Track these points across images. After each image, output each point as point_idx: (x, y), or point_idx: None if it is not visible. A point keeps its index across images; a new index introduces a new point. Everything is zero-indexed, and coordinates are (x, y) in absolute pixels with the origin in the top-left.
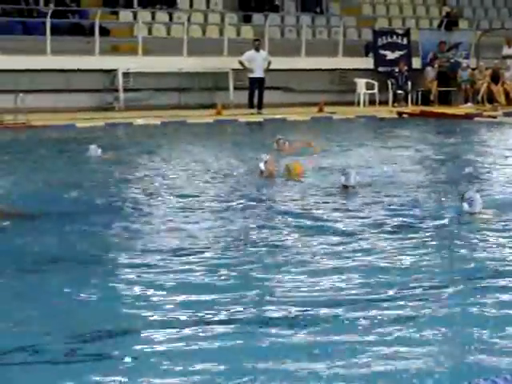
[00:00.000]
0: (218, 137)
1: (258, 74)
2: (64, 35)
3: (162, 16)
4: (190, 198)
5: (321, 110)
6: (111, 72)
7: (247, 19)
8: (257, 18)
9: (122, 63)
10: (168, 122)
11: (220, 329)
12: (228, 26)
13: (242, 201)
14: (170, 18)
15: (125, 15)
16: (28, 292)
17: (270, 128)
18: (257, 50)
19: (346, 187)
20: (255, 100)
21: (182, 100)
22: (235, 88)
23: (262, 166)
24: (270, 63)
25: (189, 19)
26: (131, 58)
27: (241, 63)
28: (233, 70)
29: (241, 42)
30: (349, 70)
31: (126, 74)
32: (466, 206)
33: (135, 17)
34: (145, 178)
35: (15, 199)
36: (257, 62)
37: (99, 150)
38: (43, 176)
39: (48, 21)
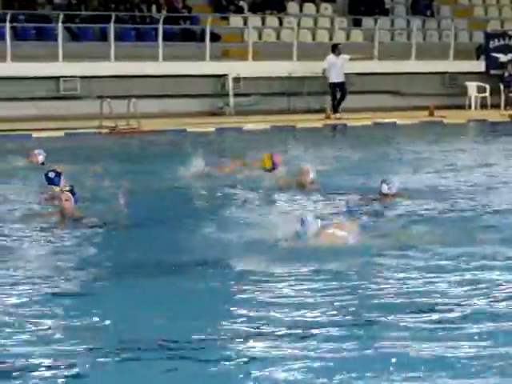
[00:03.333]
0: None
1: (338, 78)
2: (175, 41)
3: (272, 21)
4: None
5: (431, 114)
6: (221, 77)
7: (357, 23)
8: (367, 21)
9: (232, 68)
10: (277, 126)
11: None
12: (338, 30)
13: None
14: (280, 23)
15: (235, 20)
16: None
17: (380, 132)
18: (335, 53)
19: (385, 195)
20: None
21: (291, 104)
22: None
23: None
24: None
25: (298, 24)
26: (241, 63)
27: (324, 71)
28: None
29: (350, 46)
30: (459, 73)
31: (235, 79)
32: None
33: (245, 22)
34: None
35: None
36: (336, 66)
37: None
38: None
39: (160, 27)
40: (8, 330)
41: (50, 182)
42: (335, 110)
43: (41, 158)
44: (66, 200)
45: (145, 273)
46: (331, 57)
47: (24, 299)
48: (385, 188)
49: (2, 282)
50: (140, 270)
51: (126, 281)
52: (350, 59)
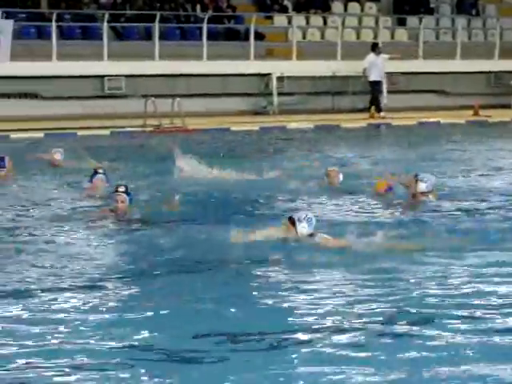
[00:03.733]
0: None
1: (378, 76)
2: (220, 40)
3: (316, 20)
4: None
5: (476, 114)
6: (265, 76)
7: (402, 22)
8: (411, 20)
9: (276, 67)
10: (321, 125)
11: None
12: (382, 29)
13: None
14: (324, 22)
15: (279, 20)
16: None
17: (426, 131)
18: (375, 52)
19: (421, 193)
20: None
21: (335, 104)
22: (388, 91)
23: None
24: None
25: (343, 23)
26: (285, 62)
27: (364, 70)
28: (386, 73)
29: (395, 45)
30: (505, 72)
31: (279, 78)
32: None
33: (290, 21)
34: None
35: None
36: (377, 65)
37: None
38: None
39: (205, 26)
40: (67, 324)
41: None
42: (379, 109)
43: (60, 158)
44: (122, 202)
45: (195, 270)
46: (371, 56)
47: (80, 294)
48: (422, 186)
49: (57, 281)
50: (190, 268)
51: (177, 277)
52: (390, 58)
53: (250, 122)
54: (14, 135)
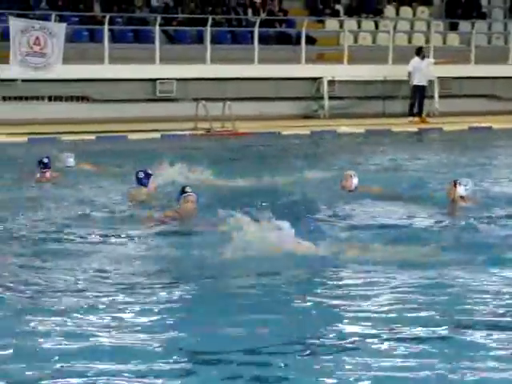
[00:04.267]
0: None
1: (421, 81)
2: (271, 44)
3: (368, 24)
4: None
5: None
6: (316, 80)
7: (454, 27)
8: (463, 25)
9: (327, 71)
10: (372, 130)
11: None
12: (434, 33)
13: None
14: (376, 27)
15: (331, 24)
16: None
17: (477, 136)
18: (420, 57)
19: (461, 198)
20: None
21: (386, 108)
22: (440, 96)
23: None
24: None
25: (395, 27)
26: (336, 66)
27: (409, 74)
28: (439, 78)
29: (447, 50)
30: None
31: (330, 82)
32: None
33: (341, 25)
34: None
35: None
36: (421, 70)
37: None
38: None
39: (256, 30)
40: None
41: (140, 182)
42: (420, 113)
43: (70, 161)
44: (192, 202)
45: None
46: (416, 60)
47: (140, 296)
48: (462, 190)
49: (120, 282)
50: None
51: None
52: (440, 63)
53: (301, 126)
54: (65, 137)
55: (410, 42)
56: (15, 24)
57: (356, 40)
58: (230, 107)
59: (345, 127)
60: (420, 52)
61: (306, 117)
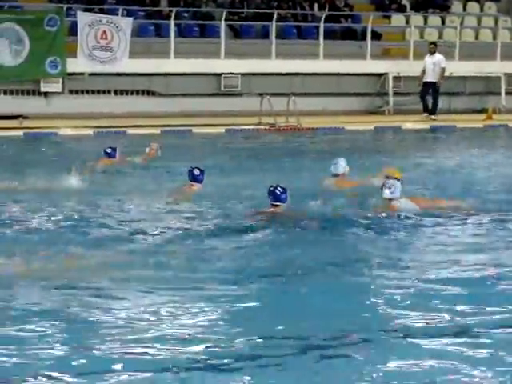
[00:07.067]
0: None
1: (429, 78)
2: (336, 39)
3: (435, 20)
4: None
5: None
6: (381, 76)
7: None
8: None
9: (392, 67)
10: (437, 126)
11: None
12: (501, 29)
13: None
14: (443, 22)
15: (397, 19)
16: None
17: None
18: (431, 53)
19: None
20: (429, 105)
21: (452, 104)
22: (507, 93)
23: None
24: (443, 70)
25: (462, 23)
26: (402, 62)
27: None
28: (505, 74)
29: None
30: None
31: (396, 78)
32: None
33: (407, 21)
34: None
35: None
36: (428, 65)
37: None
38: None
39: (321, 25)
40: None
41: (194, 178)
42: (433, 111)
43: (158, 152)
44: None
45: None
46: (426, 56)
47: (217, 292)
48: (387, 193)
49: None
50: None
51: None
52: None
53: (365, 122)
54: (130, 131)
55: (477, 38)
56: (82, 18)
57: (422, 35)
58: (294, 102)
59: (409, 123)
60: (430, 48)
61: (370, 113)
